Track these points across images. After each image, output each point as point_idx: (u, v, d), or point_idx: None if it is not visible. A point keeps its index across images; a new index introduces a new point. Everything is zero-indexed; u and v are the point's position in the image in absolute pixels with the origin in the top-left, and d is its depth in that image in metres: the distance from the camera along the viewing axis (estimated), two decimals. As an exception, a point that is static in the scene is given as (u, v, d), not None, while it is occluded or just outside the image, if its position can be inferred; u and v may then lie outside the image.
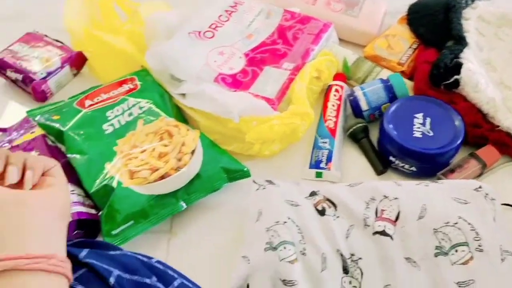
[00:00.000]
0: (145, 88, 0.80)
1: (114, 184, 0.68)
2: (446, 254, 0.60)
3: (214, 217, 0.73)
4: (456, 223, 0.61)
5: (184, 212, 0.71)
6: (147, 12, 0.89)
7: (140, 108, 0.77)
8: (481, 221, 0.61)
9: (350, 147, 0.83)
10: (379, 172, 0.78)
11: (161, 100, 0.79)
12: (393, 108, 0.79)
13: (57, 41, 0.93)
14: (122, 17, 0.93)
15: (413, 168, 0.76)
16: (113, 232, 0.65)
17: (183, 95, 0.81)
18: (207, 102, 0.77)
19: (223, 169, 0.73)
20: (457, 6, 0.90)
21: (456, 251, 0.60)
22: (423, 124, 0.76)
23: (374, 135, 0.83)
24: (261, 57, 0.86)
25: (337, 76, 0.88)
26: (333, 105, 0.83)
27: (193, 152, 0.70)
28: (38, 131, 0.75)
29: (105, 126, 0.74)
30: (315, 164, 0.78)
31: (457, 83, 0.80)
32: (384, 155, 0.79)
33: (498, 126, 0.78)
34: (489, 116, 0.79)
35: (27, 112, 0.78)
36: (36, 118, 0.75)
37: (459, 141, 0.75)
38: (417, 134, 0.75)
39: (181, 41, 0.85)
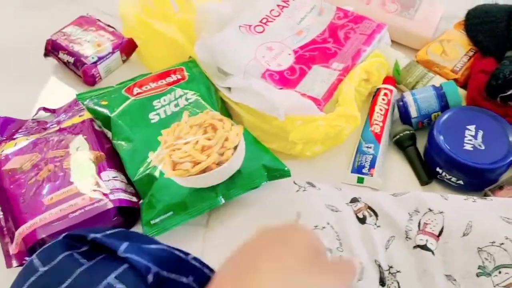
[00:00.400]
0: (193, 79, 0.80)
1: (157, 174, 0.68)
2: (489, 275, 0.58)
3: (251, 214, 0.73)
4: (502, 244, 0.58)
5: (221, 207, 0.71)
6: (200, 2, 0.88)
7: (187, 99, 0.77)
8: (530, 244, 0.58)
9: (394, 154, 0.80)
10: (424, 182, 0.76)
11: (207, 92, 0.79)
12: (444, 117, 0.76)
13: (109, 26, 0.94)
14: (174, 7, 0.93)
15: (460, 182, 0.73)
16: (152, 222, 0.65)
17: (229, 88, 0.81)
18: (253, 97, 0.76)
19: (264, 167, 0.72)
20: (521, 14, 0.86)
21: (500, 272, 0.57)
22: (475, 136, 0.73)
23: (421, 143, 0.80)
24: (310, 55, 0.84)
25: (386, 80, 0.86)
26: (381, 110, 0.81)
27: (235, 147, 0.70)
28: (87, 115, 0.77)
29: (151, 115, 0.74)
30: (357, 169, 0.77)
31: (514, 96, 0.77)
32: (430, 166, 0.76)
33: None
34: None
35: (77, 95, 0.79)
36: (85, 102, 0.77)
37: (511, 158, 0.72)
38: (468, 147, 0.72)
39: (231, 34, 0.84)
